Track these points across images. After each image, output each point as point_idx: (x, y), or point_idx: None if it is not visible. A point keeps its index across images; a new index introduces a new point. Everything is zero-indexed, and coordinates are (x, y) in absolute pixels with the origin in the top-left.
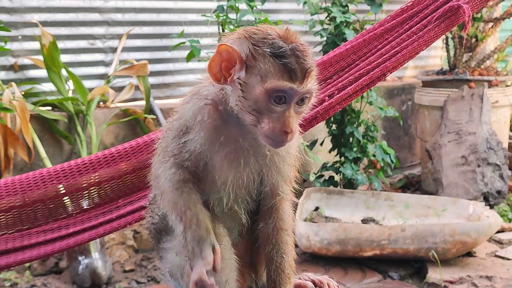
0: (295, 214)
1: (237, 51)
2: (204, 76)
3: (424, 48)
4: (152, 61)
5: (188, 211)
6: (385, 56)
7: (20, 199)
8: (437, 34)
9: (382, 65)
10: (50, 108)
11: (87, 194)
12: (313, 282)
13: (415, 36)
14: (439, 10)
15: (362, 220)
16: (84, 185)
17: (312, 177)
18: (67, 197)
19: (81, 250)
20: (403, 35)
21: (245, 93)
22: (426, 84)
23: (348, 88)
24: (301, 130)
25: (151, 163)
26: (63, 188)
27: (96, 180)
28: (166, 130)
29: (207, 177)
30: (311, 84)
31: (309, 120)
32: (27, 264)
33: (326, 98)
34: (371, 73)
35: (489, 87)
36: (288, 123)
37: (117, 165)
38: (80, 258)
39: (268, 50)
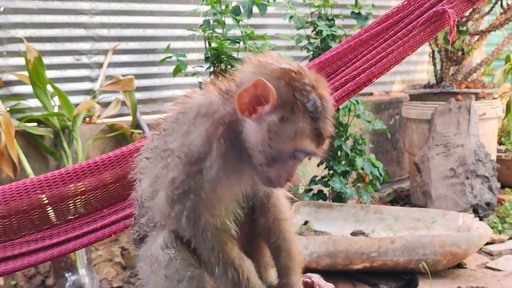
0: None
1: (274, 94)
2: (202, 90)
3: (409, 53)
4: (139, 76)
5: (238, 264)
6: (370, 62)
7: (2, 209)
8: (423, 39)
9: (368, 71)
10: (35, 124)
11: (71, 204)
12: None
13: (400, 41)
14: (424, 15)
15: (351, 233)
16: (68, 194)
17: (301, 190)
18: (50, 207)
19: (67, 266)
20: (388, 41)
21: (270, 140)
22: (413, 97)
23: (334, 94)
24: None
25: (142, 192)
26: (46, 198)
27: (80, 190)
28: (166, 157)
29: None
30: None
31: None
32: (13, 282)
33: None
34: (357, 78)
35: (476, 100)
36: (293, 174)
37: (101, 174)
38: (67, 275)
39: (308, 109)
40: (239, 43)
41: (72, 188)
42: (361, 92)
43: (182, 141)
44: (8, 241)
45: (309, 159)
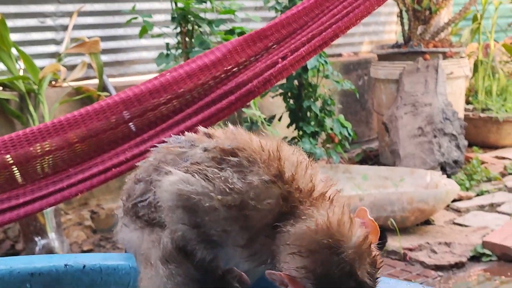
0: None
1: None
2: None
3: (376, 7)
4: (105, 38)
5: None
6: (337, 17)
7: None
8: None
9: (334, 25)
10: (0, 88)
11: (37, 164)
12: None
13: None
14: None
15: None
16: (34, 154)
17: None
18: (16, 168)
19: (37, 230)
20: None
21: None
22: (381, 58)
23: (301, 50)
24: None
25: None
26: (11, 158)
27: (46, 149)
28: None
29: None
30: None
31: (263, 82)
32: None
33: (279, 60)
34: (324, 33)
35: (443, 59)
36: None
37: (67, 133)
38: (36, 239)
39: None
40: (206, 2)
41: (38, 148)
42: (329, 53)
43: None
44: None
45: None
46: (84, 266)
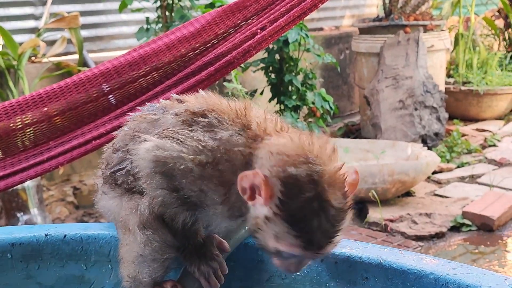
0: None
1: (268, 195)
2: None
3: None
4: (84, 13)
5: None
6: None
7: None
8: None
9: None
10: None
11: (17, 137)
12: None
13: None
14: None
15: None
16: (13, 127)
17: None
18: None
19: (19, 206)
20: None
21: (260, 231)
22: (363, 31)
23: (280, 20)
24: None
25: None
26: None
27: (25, 122)
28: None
29: None
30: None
31: (242, 53)
32: None
33: (259, 31)
34: (303, 4)
35: (424, 32)
36: (297, 269)
37: (46, 106)
38: (18, 214)
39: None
40: None
41: (18, 121)
42: (311, 27)
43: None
44: None
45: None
46: (64, 236)
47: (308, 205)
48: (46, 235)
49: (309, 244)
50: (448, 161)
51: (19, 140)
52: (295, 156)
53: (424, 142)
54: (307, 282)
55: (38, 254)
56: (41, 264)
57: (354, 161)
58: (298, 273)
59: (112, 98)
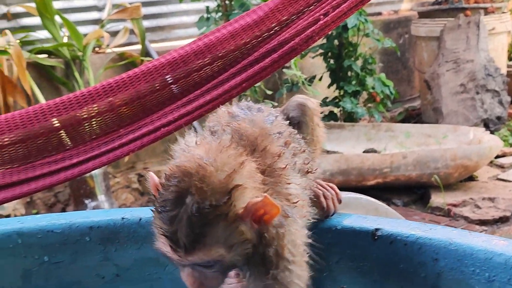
0: None
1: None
2: None
3: None
4: (146, 4)
5: None
6: None
7: (21, 133)
8: None
9: None
10: (46, 55)
11: (87, 126)
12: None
13: None
14: None
15: (363, 152)
16: (84, 116)
17: None
18: (63, 131)
19: (87, 194)
20: None
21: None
22: (422, 15)
23: (343, 6)
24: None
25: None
26: (58, 122)
27: (96, 112)
28: None
29: None
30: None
31: (305, 39)
32: (34, 211)
33: (321, 17)
34: None
35: (485, 14)
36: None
37: (116, 95)
38: (86, 201)
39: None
40: None
41: (89, 110)
42: (369, 12)
43: None
44: (29, 163)
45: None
46: (140, 219)
47: (172, 195)
48: (123, 218)
49: (172, 241)
50: (511, 145)
51: (89, 128)
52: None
53: (486, 126)
54: (376, 264)
55: (115, 237)
56: (118, 247)
57: (415, 146)
58: (368, 255)
59: (176, 87)
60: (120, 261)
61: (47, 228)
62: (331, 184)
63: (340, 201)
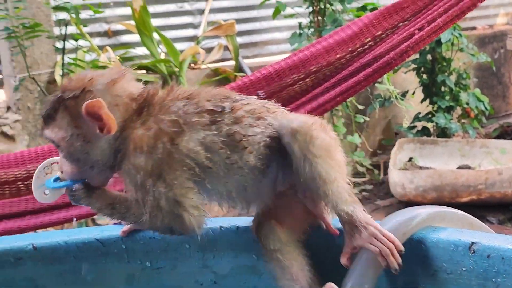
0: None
1: None
2: None
3: None
4: (239, 21)
5: None
6: None
7: None
8: None
9: None
10: (144, 71)
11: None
12: None
13: None
14: None
15: (457, 168)
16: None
17: (405, 126)
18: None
19: None
20: None
21: None
22: None
23: (438, 20)
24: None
25: None
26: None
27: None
28: None
29: None
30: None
31: (400, 54)
32: None
33: (416, 31)
34: (461, 3)
35: None
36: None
37: None
38: None
39: None
40: None
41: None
42: (463, 26)
43: None
44: None
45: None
46: (237, 228)
47: None
48: (221, 227)
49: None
50: None
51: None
52: None
53: None
54: (473, 277)
55: (213, 245)
56: (216, 254)
57: (511, 163)
58: (464, 269)
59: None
60: (217, 269)
61: (149, 235)
62: (386, 234)
63: (401, 252)
